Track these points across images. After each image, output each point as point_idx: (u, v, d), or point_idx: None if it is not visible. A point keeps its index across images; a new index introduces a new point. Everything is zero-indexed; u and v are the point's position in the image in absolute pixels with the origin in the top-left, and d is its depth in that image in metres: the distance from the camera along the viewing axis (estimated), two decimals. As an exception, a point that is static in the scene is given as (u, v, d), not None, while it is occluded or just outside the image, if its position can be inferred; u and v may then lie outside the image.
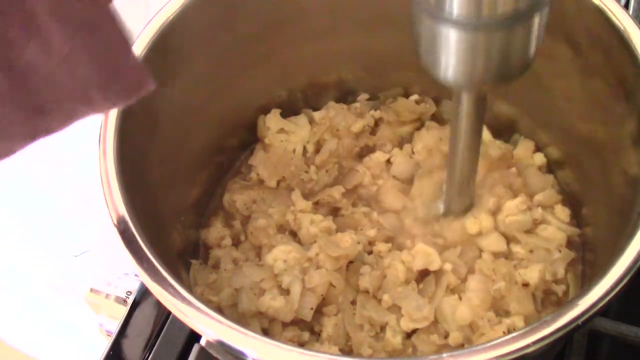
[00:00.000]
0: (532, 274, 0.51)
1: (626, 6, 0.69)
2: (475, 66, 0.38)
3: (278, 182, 0.60)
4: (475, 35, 0.36)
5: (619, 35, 0.45)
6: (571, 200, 0.58)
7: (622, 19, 0.46)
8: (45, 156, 0.73)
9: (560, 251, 0.54)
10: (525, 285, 0.52)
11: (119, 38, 0.28)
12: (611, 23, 0.46)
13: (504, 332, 0.49)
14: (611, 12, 0.46)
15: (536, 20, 0.36)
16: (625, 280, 0.37)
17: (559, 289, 0.52)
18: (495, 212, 0.55)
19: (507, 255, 0.54)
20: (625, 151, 0.46)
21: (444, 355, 0.35)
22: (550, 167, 0.60)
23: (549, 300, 0.53)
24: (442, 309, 0.51)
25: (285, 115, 0.63)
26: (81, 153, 0.77)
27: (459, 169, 0.49)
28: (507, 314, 0.51)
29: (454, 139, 0.47)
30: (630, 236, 0.39)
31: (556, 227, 0.55)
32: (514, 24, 0.35)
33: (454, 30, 0.36)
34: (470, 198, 0.54)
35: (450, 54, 0.37)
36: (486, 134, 0.61)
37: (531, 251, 0.54)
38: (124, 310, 0.60)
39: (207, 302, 0.44)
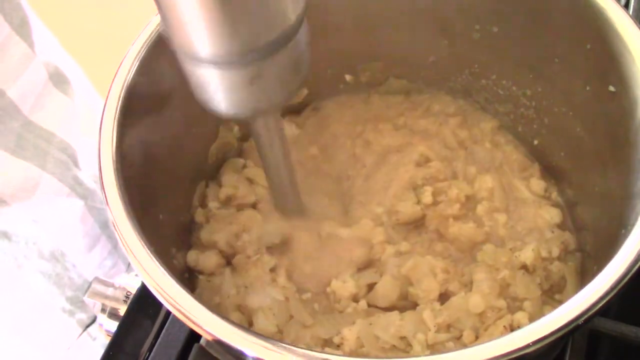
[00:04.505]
0: (527, 253, 0.53)
1: (626, 6, 0.69)
2: (234, 101, 0.39)
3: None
4: (235, 71, 0.37)
5: (619, 36, 0.45)
6: (570, 199, 0.58)
7: (622, 19, 0.46)
8: None
9: (553, 232, 0.56)
10: (524, 267, 0.53)
11: None
12: (611, 23, 0.46)
13: (504, 326, 0.49)
14: (611, 12, 0.46)
15: (293, 46, 0.37)
16: (625, 280, 0.37)
17: (555, 268, 0.53)
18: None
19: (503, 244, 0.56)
20: (625, 151, 0.46)
21: (444, 355, 0.35)
22: (549, 169, 0.60)
23: (549, 284, 0.53)
24: (455, 305, 0.51)
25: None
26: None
27: (278, 182, 0.51)
28: (515, 300, 0.51)
29: (261, 159, 0.49)
30: (629, 236, 0.39)
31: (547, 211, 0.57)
32: (273, 54, 0.37)
33: (213, 70, 0.37)
34: (298, 198, 0.55)
35: (222, 90, 0.38)
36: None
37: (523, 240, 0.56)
38: (124, 311, 0.61)
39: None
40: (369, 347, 0.49)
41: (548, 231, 0.56)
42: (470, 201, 0.58)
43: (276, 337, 0.51)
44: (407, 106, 0.65)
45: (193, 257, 0.56)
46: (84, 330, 0.86)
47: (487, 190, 0.58)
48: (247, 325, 0.52)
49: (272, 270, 0.55)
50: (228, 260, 0.56)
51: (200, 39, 0.35)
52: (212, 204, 0.59)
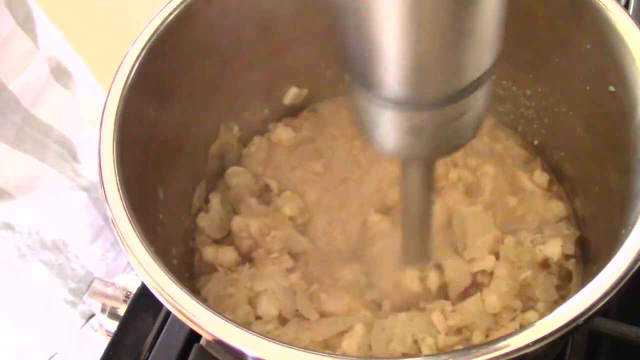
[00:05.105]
0: (554, 249, 0.53)
1: (626, 6, 0.69)
2: (417, 142, 0.37)
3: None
4: (414, 114, 0.35)
5: (619, 36, 0.45)
6: (570, 199, 0.58)
7: (622, 19, 0.46)
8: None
9: (569, 229, 0.55)
10: (544, 262, 0.53)
11: None
12: (611, 23, 0.46)
13: (515, 328, 0.49)
14: (611, 12, 0.46)
15: (479, 94, 0.35)
16: (625, 280, 0.37)
17: (570, 264, 0.53)
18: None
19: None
20: (625, 151, 0.46)
21: (444, 355, 0.35)
22: (548, 166, 0.60)
23: (560, 280, 0.54)
24: (470, 307, 0.51)
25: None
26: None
27: (412, 228, 0.50)
28: (530, 300, 0.51)
29: (404, 201, 0.47)
30: (629, 236, 0.39)
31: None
32: (453, 102, 0.34)
33: (391, 110, 0.35)
34: (427, 251, 0.54)
35: (392, 131, 0.37)
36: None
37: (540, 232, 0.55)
38: (123, 311, 0.61)
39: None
40: (377, 350, 0.49)
41: (565, 228, 0.55)
42: (474, 188, 0.58)
43: (277, 323, 0.51)
44: None
45: (211, 252, 0.56)
46: (87, 321, 0.86)
47: (489, 178, 0.58)
48: (254, 320, 0.52)
49: (290, 270, 0.55)
50: (244, 258, 0.56)
51: (390, 82, 0.33)
52: (251, 200, 0.59)
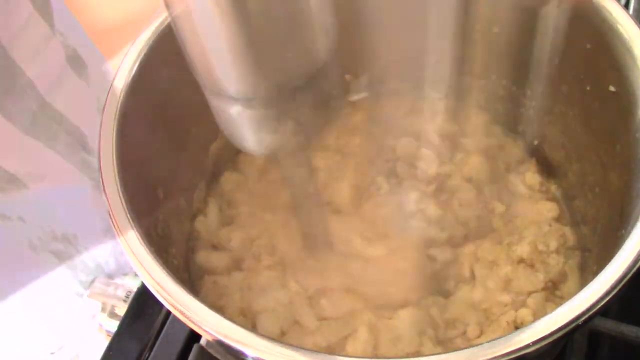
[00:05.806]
0: (524, 247, 0.53)
1: (626, 6, 0.69)
2: (268, 135, 0.38)
3: None
4: (260, 110, 0.36)
5: (619, 36, 0.45)
6: (570, 199, 0.58)
7: (622, 19, 0.46)
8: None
9: (550, 225, 0.56)
10: (522, 261, 0.53)
11: None
12: (611, 23, 0.46)
13: (507, 322, 0.49)
14: (611, 12, 0.46)
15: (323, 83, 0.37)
16: (625, 280, 0.37)
17: (553, 261, 0.53)
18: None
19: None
20: (625, 151, 0.46)
21: (443, 355, 0.35)
22: (549, 169, 0.60)
23: (548, 277, 0.54)
24: (460, 300, 0.51)
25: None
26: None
27: (306, 217, 0.51)
28: (520, 294, 0.52)
29: (292, 194, 0.48)
30: (629, 236, 0.39)
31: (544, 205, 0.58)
32: (303, 93, 0.36)
33: (237, 106, 0.36)
34: (326, 235, 0.54)
35: (249, 128, 0.38)
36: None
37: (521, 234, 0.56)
38: (123, 311, 0.61)
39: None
40: (385, 351, 0.49)
41: (545, 225, 0.56)
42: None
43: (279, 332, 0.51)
44: (409, 107, 0.65)
45: (203, 256, 0.56)
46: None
47: (475, 168, 0.59)
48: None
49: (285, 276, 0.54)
50: (238, 263, 0.56)
51: (228, 79, 0.35)
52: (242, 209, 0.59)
